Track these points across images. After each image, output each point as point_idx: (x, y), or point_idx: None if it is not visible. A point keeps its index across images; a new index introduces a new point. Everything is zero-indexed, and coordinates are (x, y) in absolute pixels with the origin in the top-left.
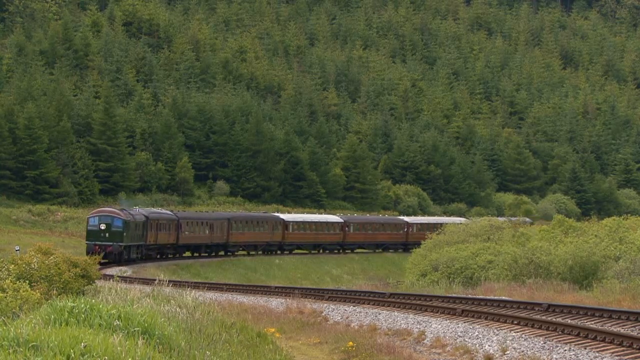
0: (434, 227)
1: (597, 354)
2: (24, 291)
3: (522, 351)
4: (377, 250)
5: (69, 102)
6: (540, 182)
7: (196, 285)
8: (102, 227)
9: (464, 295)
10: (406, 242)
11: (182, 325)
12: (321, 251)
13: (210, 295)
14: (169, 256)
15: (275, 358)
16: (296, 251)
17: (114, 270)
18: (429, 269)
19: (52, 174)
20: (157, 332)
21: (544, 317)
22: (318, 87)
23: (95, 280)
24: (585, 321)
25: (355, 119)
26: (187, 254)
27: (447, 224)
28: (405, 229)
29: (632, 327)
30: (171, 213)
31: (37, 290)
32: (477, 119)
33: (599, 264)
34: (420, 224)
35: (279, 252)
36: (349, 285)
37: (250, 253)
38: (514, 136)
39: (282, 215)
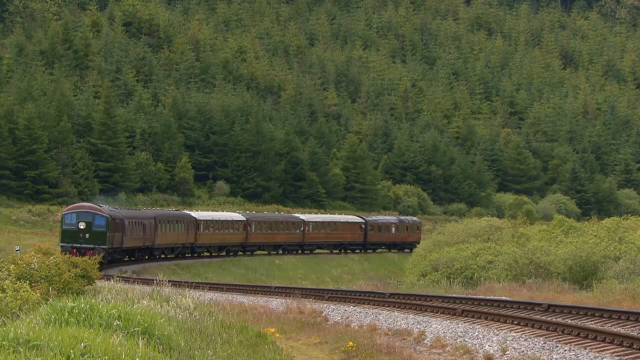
0: (328, 225)
1: (597, 354)
2: (23, 291)
3: (522, 351)
4: (271, 253)
5: (69, 102)
6: (540, 182)
7: (196, 286)
8: (81, 226)
9: (464, 296)
10: (302, 243)
11: (182, 325)
12: (224, 253)
13: (210, 295)
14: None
15: (275, 358)
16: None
17: (113, 271)
18: (429, 269)
19: (52, 174)
20: (157, 332)
21: (544, 317)
22: (318, 87)
23: (95, 281)
24: (585, 321)
25: (355, 119)
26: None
27: (341, 222)
28: (302, 228)
29: (632, 327)
30: (118, 211)
31: (37, 291)
32: (477, 119)
33: (599, 264)
34: (316, 222)
35: (188, 255)
36: (349, 285)
37: (165, 256)
38: (514, 136)
39: (194, 214)
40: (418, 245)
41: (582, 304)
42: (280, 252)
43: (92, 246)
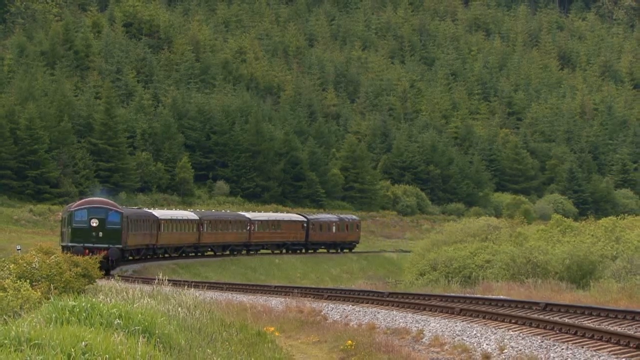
0: (272, 224)
1: (594, 353)
2: (24, 290)
3: (520, 350)
4: (217, 253)
5: (69, 102)
6: (537, 182)
7: (196, 285)
8: (94, 223)
9: (462, 295)
10: (248, 243)
11: (182, 324)
12: (182, 255)
13: (210, 294)
14: None
15: (274, 357)
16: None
17: (114, 271)
18: (427, 269)
19: (53, 174)
20: (157, 331)
21: (541, 316)
22: (317, 87)
23: (96, 280)
24: (582, 320)
25: (354, 119)
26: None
27: (285, 220)
28: (248, 227)
29: (628, 326)
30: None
31: (38, 290)
32: (476, 119)
33: (596, 263)
34: (261, 221)
35: (150, 255)
36: (347, 284)
37: (132, 258)
38: (512, 136)
39: (155, 212)
40: (357, 245)
41: (579, 303)
42: (228, 252)
43: (106, 245)
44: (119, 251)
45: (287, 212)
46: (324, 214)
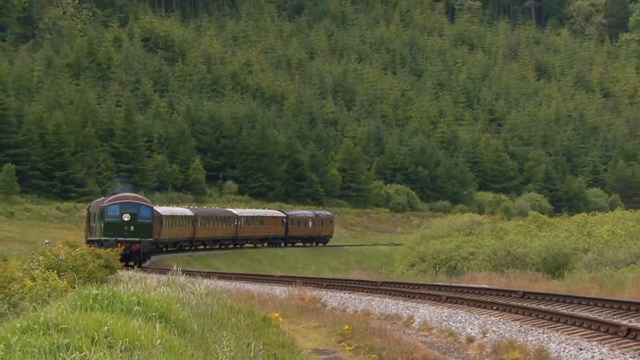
0: (257, 219)
1: (567, 336)
2: (52, 280)
3: (501, 334)
4: (206, 247)
5: (93, 110)
6: (516, 182)
7: (207, 275)
8: (126, 218)
9: (449, 284)
10: (235, 237)
11: (195, 310)
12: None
13: (220, 283)
14: None
15: (278, 340)
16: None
17: (145, 263)
18: (417, 260)
19: (78, 174)
20: (172, 317)
21: (520, 304)
22: (317, 96)
23: (117, 270)
24: (557, 307)
25: (350, 125)
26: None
27: (267, 216)
28: (236, 223)
29: (599, 312)
30: None
31: (65, 279)
32: (460, 125)
33: (569, 255)
34: (247, 217)
35: (153, 250)
36: (344, 274)
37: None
38: (493, 141)
39: (158, 209)
40: (330, 239)
41: (554, 292)
42: (217, 247)
43: (138, 239)
44: (150, 244)
45: (291, 209)
46: (302, 210)
